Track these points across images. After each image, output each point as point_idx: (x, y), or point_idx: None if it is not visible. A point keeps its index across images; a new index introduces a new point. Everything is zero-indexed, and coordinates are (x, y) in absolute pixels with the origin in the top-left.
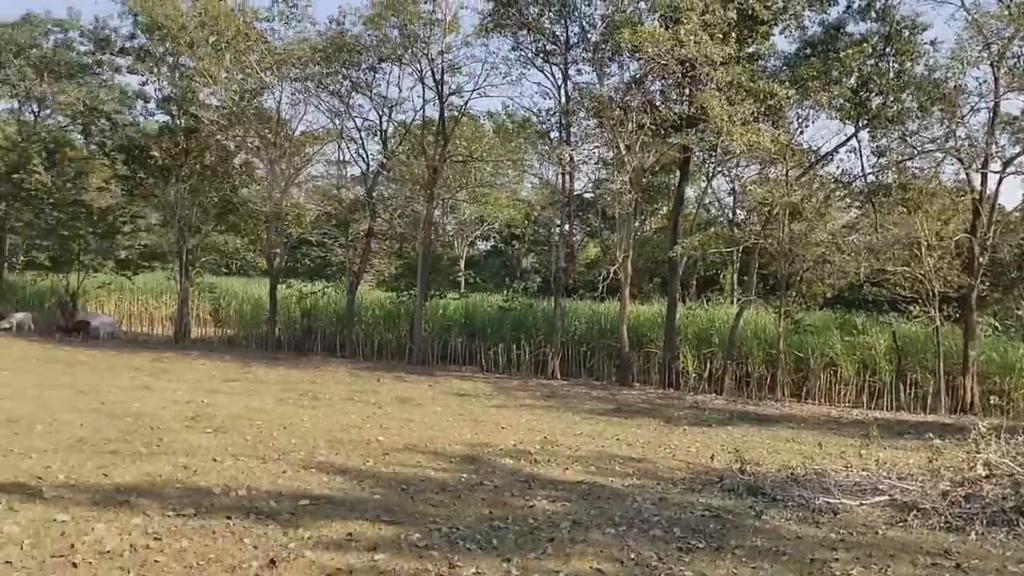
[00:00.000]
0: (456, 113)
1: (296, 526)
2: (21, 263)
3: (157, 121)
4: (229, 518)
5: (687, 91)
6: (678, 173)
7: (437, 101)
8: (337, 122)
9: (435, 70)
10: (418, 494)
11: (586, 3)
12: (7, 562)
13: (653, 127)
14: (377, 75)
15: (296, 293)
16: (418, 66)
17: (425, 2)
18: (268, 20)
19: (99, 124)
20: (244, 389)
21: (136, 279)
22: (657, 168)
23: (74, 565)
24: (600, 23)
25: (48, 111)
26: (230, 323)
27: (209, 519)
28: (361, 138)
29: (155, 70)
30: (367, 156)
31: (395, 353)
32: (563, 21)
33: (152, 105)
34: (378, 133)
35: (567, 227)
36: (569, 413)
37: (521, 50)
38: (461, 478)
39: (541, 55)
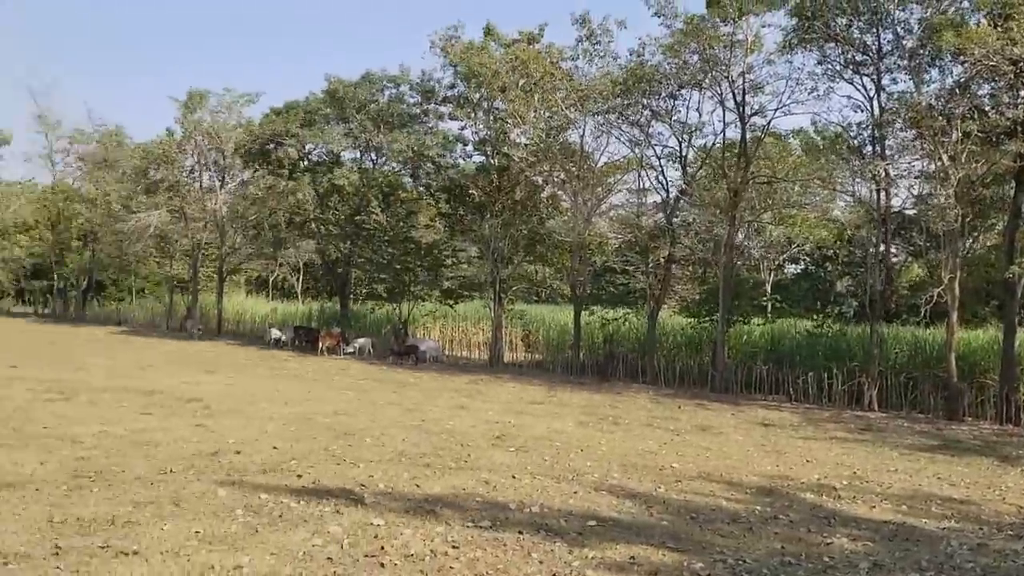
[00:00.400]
0: (759, 133)
1: (582, 545)
2: (363, 294)
3: (474, 162)
4: (521, 533)
5: (1022, 93)
6: (1014, 183)
7: (738, 122)
8: (637, 151)
9: (736, 91)
10: (707, 523)
11: (900, 8)
12: (328, 558)
13: (982, 135)
14: (677, 102)
15: (599, 319)
16: (718, 89)
17: (725, 24)
18: (572, 59)
19: (425, 168)
20: (548, 412)
21: (457, 307)
22: (988, 179)
23: (382, 565)
24: (917, 27)
25: (383, 158)
26: (539, 348)
27: (503, 532)
28: (661, 165)
29: (472, 115)
30: (667, 183)
31: (697, 380)
32: (874, 29)
33: (470, 147)
34: (678, 159)
35: (884, 247)
36: (885, 448)
37: (828, 63)
38: (755, 510)
39: (850, 67)
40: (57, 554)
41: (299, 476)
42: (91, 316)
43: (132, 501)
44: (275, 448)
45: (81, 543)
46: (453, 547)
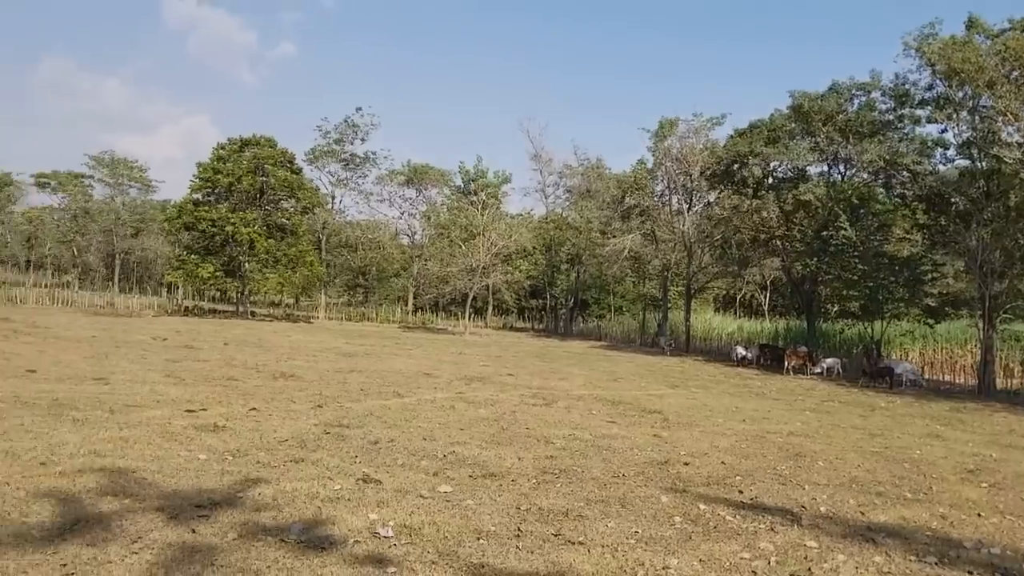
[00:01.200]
0: None
1: None
2: (833, 312)
3: (956, 167)
4: (970, 572)
5: None
6: None
7: None
8: None
9: None
10: None
11: None
12: (753, 572)
13: None
14: None
15: None
16: None
17: None
18: None
19: (900, 176)
20: None
21: (938, 327)
22: None
23: None
24: None
25: (852, 170)
26: None
27: (948, 570)
28: None
29: (954, 116)
30: None
31: None
32: None
33: (951, 151)
34: None
35: None
36: None
37: None
38: None
39: None
40: (518, 536)
41: (740, 492)
42: (577, 331)
43: (586, 498)
44: (723, 463)
45: (539, 529)
46: None
